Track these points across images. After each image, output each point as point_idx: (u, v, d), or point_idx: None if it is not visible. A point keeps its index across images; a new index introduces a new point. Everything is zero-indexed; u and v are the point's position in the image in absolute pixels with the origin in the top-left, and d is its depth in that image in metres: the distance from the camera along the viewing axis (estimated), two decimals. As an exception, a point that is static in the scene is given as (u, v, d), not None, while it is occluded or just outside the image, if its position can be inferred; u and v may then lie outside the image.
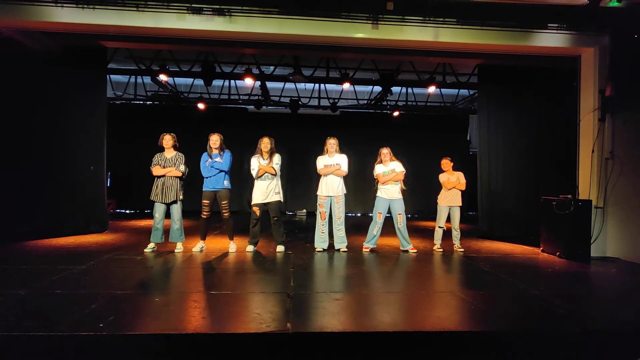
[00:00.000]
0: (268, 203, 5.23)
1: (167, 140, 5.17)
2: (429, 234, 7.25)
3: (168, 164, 5.11)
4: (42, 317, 2.77)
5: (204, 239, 5.30)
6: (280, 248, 5.34)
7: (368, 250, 5.50)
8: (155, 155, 5.16)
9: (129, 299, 3.26)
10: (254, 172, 5.23)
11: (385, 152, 5.50)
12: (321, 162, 5.45)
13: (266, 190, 5.19)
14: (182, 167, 5.14)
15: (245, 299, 3.40)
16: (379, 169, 5.52)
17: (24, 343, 2.50)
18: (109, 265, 4.45)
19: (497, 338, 2.79)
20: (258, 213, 5.24)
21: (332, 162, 5.40)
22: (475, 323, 3.05)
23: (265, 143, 5.24)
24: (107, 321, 2.70)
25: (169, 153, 5.17)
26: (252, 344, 2.60)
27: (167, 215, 5.18)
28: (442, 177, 5.76)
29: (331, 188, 5.37)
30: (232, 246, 5.28)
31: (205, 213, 5.16)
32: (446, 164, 5.76)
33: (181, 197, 5.15)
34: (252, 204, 5.27)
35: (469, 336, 2.77)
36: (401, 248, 5.59)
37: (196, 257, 4.95)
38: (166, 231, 5.25)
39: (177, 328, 2.69)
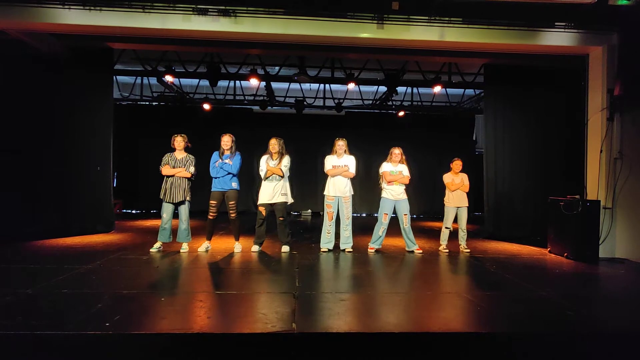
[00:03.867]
0: (274, 204, 5.23)
1: (179, 141, 5.20)
2: (434, 234, 7.21)
3: (178, 164, 5.14)
4: (48, 317, 2.79)
5: (209, 239, 5.32)
6: (285, 248, 5.34)
7: (373, 251, 5.48)
8: (166, 155, 5.20)
9: (135, 299, 3.28)
10: (262, 173, 5.25)
11: (397, 152, 5.47)
12: (329, 162, 5.44)
13: (272, 191, 5.20)
14: (192, 169, 5.16)
15: (250, 299, 3.40)
16: (386, 167, 5.49)
17: (31, 342, 2.51)
18: (115, 264, 4.48)
19: (504, 340, 2.77)
20: (264, 213, 5.24)
21: (341, 163, 5.40)
22: (482, 324, 3.02)
23: (273, 144, 5.26)
24: (113, 320, 2.72)
25: (180, 154, 5.21)
26: (257, 344, 2.60)
27: (175, 215, 5.21)
28: (447, 178, 5.72)
29: (339, 188, 5.36)
30: (237, 246, 5.30)
31: (212, 213, 5.17)
32: (458, 165, 5.72)
33: (189, 197, 5.18)
34: (258, 204, 5.28)
35: (475, 338, 2.75)
36: (407, 249, 5.57)
37: (202, 257, 4.97)
38: (174, 231, 5.28)
39: (183, 328, 2.70)
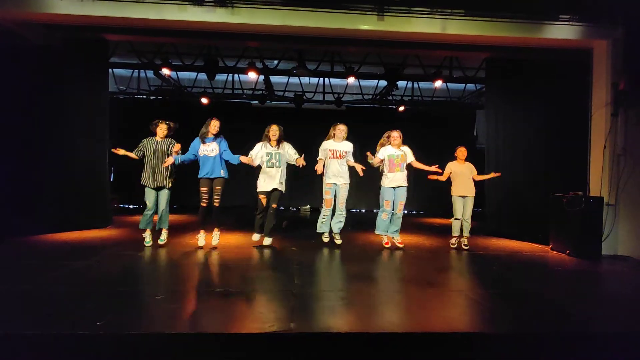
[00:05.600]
0: (273, 191, 5.13)
1: (162, 129, 5.14)
2: (434, 231, 7.19)
3: (159, 146, 5.08)
4: (40, 315, 2.72)
5: (204, 228, 5.22)
6: (267, 240, 5.22)
7: (389, 245, 5.38)
8: (144, 140, 5.14)
9: (129, 297, 3.21)
10: (251, 154, 5.11)
11: (395, 134, 5.36)
12: (327, 146, 5.39)
13: (274, 178, 5.11)
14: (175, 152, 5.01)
15: (248, 297, 3.33)
16: (389, 151, 5.34)
17: (24, 341, 2.44)
18: (110, 261, 4.40)
19: (505, 339, 2.70)
20: (264, 201, 5.13)
21: (340, 148, 5.34)
22: (484, 324, 2.97)
23: (274, 130, 5.17)
24: (106, 319, 2.63)
25: (161, 138, 5.16)
26: (254, 345, 2.52)
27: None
28: (447, 168, 5.62)
29: (342, 176, 5.35)
30: (215, 235, 5.15)
31: (204, 201, 5.06)
32: (462, 152, 5.63)
33: (170, 184, 5.09)
34: (259, 191, 5.16)
35: (476, 337, 2.69)
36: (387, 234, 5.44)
37: (199, 253, 4.88)
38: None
39: (177, 327, 2.63)
